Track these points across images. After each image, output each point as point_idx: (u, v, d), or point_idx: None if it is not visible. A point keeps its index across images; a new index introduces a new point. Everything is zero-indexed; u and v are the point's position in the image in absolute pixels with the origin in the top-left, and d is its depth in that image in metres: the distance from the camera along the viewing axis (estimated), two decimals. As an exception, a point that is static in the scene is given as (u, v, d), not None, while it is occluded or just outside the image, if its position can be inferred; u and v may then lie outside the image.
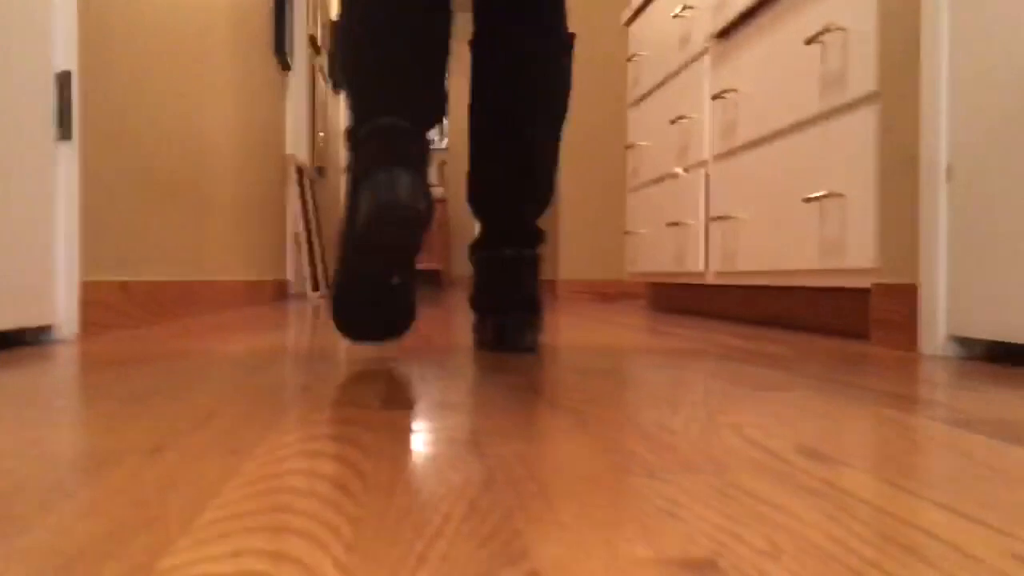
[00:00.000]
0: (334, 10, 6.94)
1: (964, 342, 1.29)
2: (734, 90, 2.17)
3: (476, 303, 1.39)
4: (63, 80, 1.53)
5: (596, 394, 0.85)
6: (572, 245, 4.27)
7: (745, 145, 2.12)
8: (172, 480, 0.49)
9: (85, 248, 1.64)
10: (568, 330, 1.85)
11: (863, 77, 1.57)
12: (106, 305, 1.73)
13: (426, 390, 0.88)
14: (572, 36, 1.36)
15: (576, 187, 4.28)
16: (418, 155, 1.08)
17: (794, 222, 1.84)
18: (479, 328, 1.40)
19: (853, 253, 1.61)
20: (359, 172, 1.07)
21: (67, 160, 1.54)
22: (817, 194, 1.71)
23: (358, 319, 1.21)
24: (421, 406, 0.77)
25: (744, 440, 0.61)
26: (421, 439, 0.61)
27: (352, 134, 1.13)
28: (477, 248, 1.39)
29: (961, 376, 1.04)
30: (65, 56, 1.54)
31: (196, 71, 2.48)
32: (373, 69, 1.14)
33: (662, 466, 0.53)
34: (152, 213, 2.07)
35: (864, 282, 1.59)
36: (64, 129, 1.53)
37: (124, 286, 1.84)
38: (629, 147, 3.15)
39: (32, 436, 0.62)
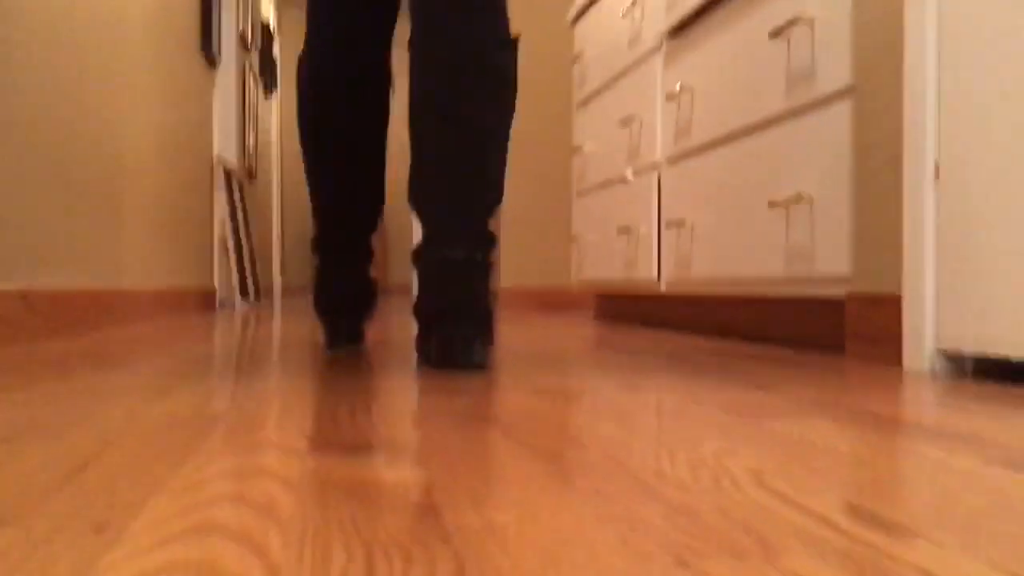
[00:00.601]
0: (266, 8, 6.71)
1: (952, 356, 1.19)
2: (689, 89, 2.06)
3: (421, 313, 1.25)
4: (-55, 61, 1.34)
5: (567, 426, 0.71)
6: (514, 251, 4.15)
7: (701, 147, 2.01)
8: (-7, 586, 0.34)
9: (-27, 253, 1.45)
10: (516, 342, 1.71)
11: (835, 71, 1.47)
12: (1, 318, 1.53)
13: (363, 423, 0.73)
14: (514, 35, 1.29)
15: (519, 191, 4.16)
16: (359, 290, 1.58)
17: (757, 227, 1.73)
18: (423, 341, 1.25)
19: (824, 260, 1.50)
20: (319, 286, 1.58)
21: (-50, 152, 1.35)
22: (783, 197, 1.60)
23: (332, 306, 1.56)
24: (357, 447, 0.62)
25: (776, 497, 0.48)
26: (358, 502, 0.46)
27: (315, 245, 1.59)
28: (422, 252, 1.24)
29: (979, 399, 0.93)
30: (-52, 34, 1.35)
31: (109, 61, 2.28)
32: (324, 203, 1.54)
33: (690, 545, 0.39)
34: (58, 214, 1.87)
35: (837, 292, 1.48)
36: (-54, 117, 1.34)
37: (23, 295, 1.64)
38: (575, 150, 3.03)
39: None
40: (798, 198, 1.55)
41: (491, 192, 1.25)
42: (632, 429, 0.70)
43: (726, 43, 1.88)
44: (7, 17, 1.61)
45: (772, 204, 1.61)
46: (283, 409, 0.81)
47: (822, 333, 1.65)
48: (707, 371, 1.19)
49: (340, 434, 0.67)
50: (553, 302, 4.14)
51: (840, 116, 1.45)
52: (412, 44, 1.27)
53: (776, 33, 1.60)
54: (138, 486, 0.50)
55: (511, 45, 1.28)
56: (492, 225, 1.27)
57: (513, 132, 4.15)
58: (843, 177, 1.44)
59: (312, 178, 1.53)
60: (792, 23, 1.56)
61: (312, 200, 1.56)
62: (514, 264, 4.13)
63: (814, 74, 1.53)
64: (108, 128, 2.27)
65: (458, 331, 1.18)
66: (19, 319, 1.62)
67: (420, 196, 1.27)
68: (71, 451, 0.60)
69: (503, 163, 1.28)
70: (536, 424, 0.72)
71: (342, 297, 1.57)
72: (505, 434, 0.68)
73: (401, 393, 0.93)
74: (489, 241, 1.23)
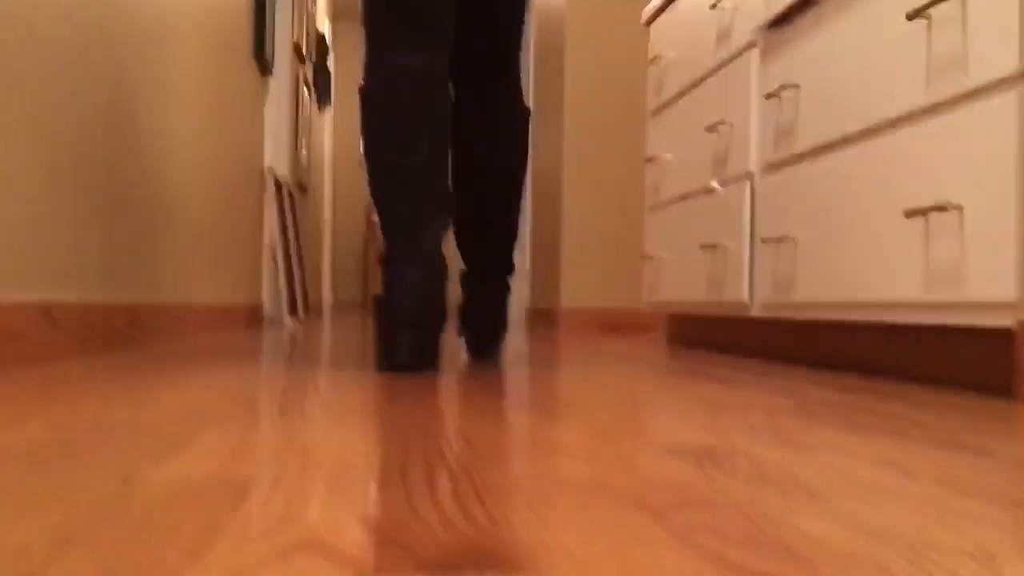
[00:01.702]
0: (321, 20, 6.61)
1: None
2: (794, 86, 1.82)
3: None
4: (-45, 38, 1.16)
5: (744, 509, 0.48)
6: (577, 270, 3.91)
7: (808, 152, 1.77)
8: None
9: (-15, 260, 1.27)
10: (600, 375, 1.48)
11: (996, 57, 1.23)
12: (17, 334, 1.35)
13: (447, 504, 0.51)
14: (527, 111, 1.77)
15: (583, 206, 3.93)
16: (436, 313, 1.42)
17: (884, 243, 1.48)
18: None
19: (977, 282, 1.25)
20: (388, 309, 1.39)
21: (-42, 143, 1.17)
22: (923, 206, 1.36)
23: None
24: (451, 560, 0.40)
25: None
26: None
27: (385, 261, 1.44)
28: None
29: None
30: (-41, 7, 1.17)
31: (152, 59, 2.12)
32: (394, 218, 1.45)
33: None
34: (90, 222, 1.69)
35: (996, 319, 1.23)
36: (-46, 102, 1.16)
37: (46, 310, 1.46)
38: (649, 160, 2.80)
39: None
40: (941, 207, 1.31)
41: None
42: (840, 520, 0.47)
43: (843, 31, 1.64)
44: (37, 10, 1.43)
45: (910, 214, 1.36)
46: (336, 472, 0.59)
47: (980, 370, 1.40)
48: (863, 418, 0.95)
49: (419, 527, 0.45)
50: (618, 324, 3.90)
51: (1001, 110, 1.21)
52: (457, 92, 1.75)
53: (915, 14, 1.36)
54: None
55: (527, 114, 1.76)
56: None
57: (577, 143, 3.93)
58: (1006, 181, 1.19)
59: (376, 186, 1.48)
60: (936, 1, 1.32)
61: (379, 213, 1.50)
62: (576, 283, 3.90)
63: (966, 61, 1.29)
64: (148, 128, 2.09)
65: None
66: (40, 336, 1.43)
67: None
68: (28, 542, 0.39)
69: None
70: (698, 510, 0.50)
71: (404, 311, 1.36)
72: (662, 526, 0.45)
73: (492, 447, 0.71)
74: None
